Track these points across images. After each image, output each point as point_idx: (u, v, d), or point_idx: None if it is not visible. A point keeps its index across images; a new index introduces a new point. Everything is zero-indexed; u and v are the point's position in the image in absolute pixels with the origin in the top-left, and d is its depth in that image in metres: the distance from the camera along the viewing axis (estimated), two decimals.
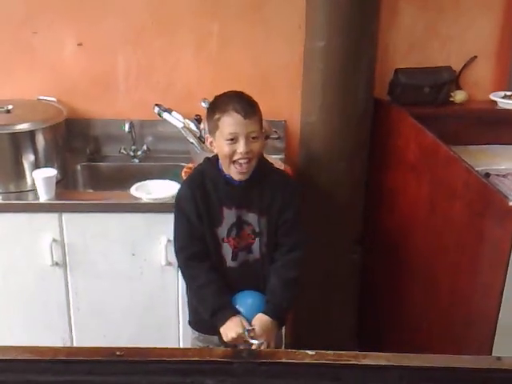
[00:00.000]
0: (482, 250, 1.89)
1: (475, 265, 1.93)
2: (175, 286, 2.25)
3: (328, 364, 1.28)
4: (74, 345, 2.32)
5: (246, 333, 1.67)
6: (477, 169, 1.96)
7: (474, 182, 1.91)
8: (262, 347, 1.68)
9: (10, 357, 1.24)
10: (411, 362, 1.29)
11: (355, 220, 2.53)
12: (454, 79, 2.52)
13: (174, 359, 1.26)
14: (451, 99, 2.52)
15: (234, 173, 1.73)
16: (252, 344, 1.67)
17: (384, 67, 2.47)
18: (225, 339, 1.71)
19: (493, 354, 1.78)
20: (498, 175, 2.09)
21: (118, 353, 1.25)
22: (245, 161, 1.71)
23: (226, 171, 1.77)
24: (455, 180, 2.01)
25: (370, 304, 2.69)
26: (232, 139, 1.69)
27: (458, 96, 2.52)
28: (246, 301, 1.75)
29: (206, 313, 1.76)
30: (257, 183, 1.78)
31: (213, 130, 1.74)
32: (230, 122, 1.68)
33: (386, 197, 2.52)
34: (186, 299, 1.98)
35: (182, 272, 1.88)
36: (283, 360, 1.28)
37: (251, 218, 1.78)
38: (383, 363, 1.28)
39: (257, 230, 1.79)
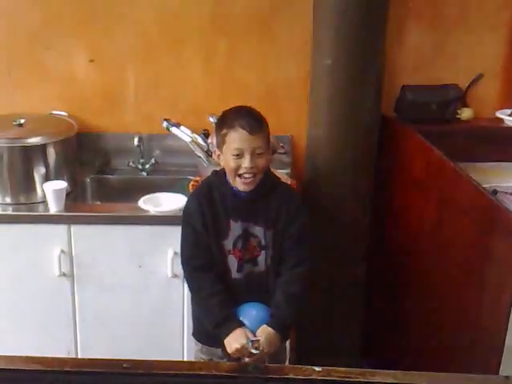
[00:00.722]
0: (489, 267, 1.88)
1: (482, 283, 1.92)
2: (181, 299, 2.25)
3: (335, 381, 1.28)
4: (79, 356, 2.32)
5: (250, 344, 1.67)
6: (484, 186, 1.96)
7: (481, 200, 1.90)
8: (263, 353, 1.68)
9: (17, 367, 1.25)
10: (418, 380, 1.29)
11: (361, 235, 2.53)
12: (460, 97, 2.53)
13: (181, 372, 1.27)
14: (458, 116, 2.53)
15: (240, 184, 1.76)
16: (253, 353, 1.66)
17: (391, 84, 2.49)
18: (228, 351, 1.71)
19: (500, 374, 1.76)
20: (505, 192, 2.09)
21: (125, 365, 1.25)
22: (250, 175, 1.74)
23: (232, 184, 1.79)
24: (462, 197, 2.01)
25: (375, 320, 2.68)
26: (238, 154, 1.72)
27: (465, 113, 2.53)
28: (250, 313, 1.76)
29: (210, 324, 1.77)
30: (263, 197, 1.80)
31: (220, 144, 1.77)
32: (235, 138, 1.71)
33: (392, 213, 2.52)
34: (191, 310, 1.98)
35: (187, 283, 1.89)
36: (290, 376, 1.28)
37: (258, 230, 1.80)
38: (391, 381, 1.28)
39: (263, 242, 1.80)
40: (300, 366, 1.31)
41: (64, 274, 2.24)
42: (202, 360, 1.91)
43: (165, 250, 2.19)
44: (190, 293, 1.92)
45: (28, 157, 2.25)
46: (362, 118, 2.36)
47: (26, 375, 1.23)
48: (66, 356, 2.27)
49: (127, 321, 2.30)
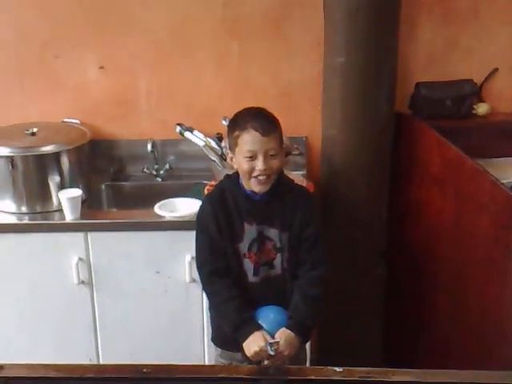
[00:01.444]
0: (510, 262, 1.86)
1: (504, 277, 1.89)
2: (200, 303, 2.25)
3: (356, 381, 1.26)
4: (101, 363, 2.32)
5: (269, 346, 1.65)
6: (503, 181, 1.94)
7: (499, 195, 1.88)
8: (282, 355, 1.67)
9: (39, 374, 1.25)
10: (440, 378, 1.28)
11: (379, 234, 2.51)
12: (475, 92, 2.50)
13: (201, 376, 1.26)
14: (474, 112, 2.50)
15: (254, 185, 1.75)
16: (272, 356, 1.65)
17: (405, 81, 2.47)
18: (247, 354, 1.70)
19: None
20: None
21: (144, 370, 1.25)
22: (263, 177, 1.72)
23: (246, 186, 1.78)
24: (481, 193, 1.99)
25: (397, 318, 2.65)
26: (251, 156, 1.70)
27: (481, 108, 2.50)
28: (268, 316, 1.74)
29: (229, 328, 1.76)
30: (278, 199, 1.79)
31: (233, 146, 1.76)
32: (248, 140, 1.70)
33: (410, 211, 2.50)
34: (209, 316, 1.97)
35: (203, 288, 1.88)
36: (311, 377, 1.27)
37: (273, 233, 1.79)
38: (412, 379, 1.26)
39: (278, 245, 1.79)
40: (320, 367, 1.30)
41: (83, 282, 2.25)
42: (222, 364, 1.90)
43: (182, 255, 2.18)
44: (207, 298, 1.91)
45: (42, 165, 2.26)
46: (377, 116, 2.34)
47: (47, 383, 1.23)
48: (92, 363, 2.27)
49: (147, 327, 2.31)
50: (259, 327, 1.71)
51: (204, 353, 2.30)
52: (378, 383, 1.26)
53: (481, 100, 2.53)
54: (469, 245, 2.09)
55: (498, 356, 1.95)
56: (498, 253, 1.92)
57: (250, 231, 1.78)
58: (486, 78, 2.52)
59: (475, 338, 2.08)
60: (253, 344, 1.68)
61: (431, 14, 2.47)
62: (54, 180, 2.27)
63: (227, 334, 1.78)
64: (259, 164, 1.70)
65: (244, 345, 1.71)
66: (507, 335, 1.90)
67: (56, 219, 2.24)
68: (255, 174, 1.72)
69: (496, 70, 2.52)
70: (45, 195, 2.27)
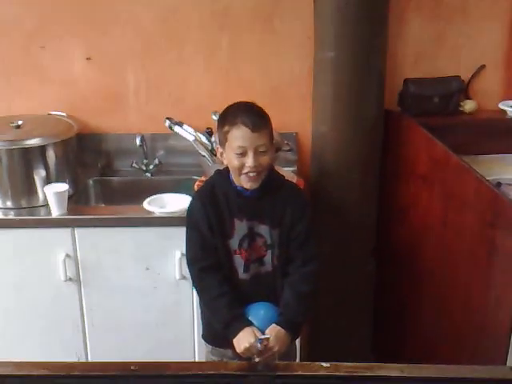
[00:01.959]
0: (495, 259, 1.88)
1: (488, 275, 1.92)
2: (190, 300, 2.24)
3: (343, 376, 1.27)
4: (89, 360, 2.31)
5: (259, 342, 1.66)
6: (488, 178, 1.95)
7: (485, 192, 1.90)
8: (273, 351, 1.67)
9: (25, 372, 1.24)
10: (425, 372, 1.29)
11: (368, 231, 2.52)
12: (463, 89, 2.51)
13: (189, 373, 1.26)
14: (461, 109, 2.51)
15: (244, 181, 1.74)
16: (262, 352, 1.65)
17: (393, 78, 2.47)
18: (237, 350, 1.70)
19: (507, 365, 1.76)
20: (509, 184, 2.09)
21: (132, 367, 1.25)
22: (253, 174, 1.72)
23: (236, 182, 1.77)
24: (466, 190, 2.00)
25: (385, 315, 2.67)
26: (241, 153, 1.70)
27: (468, 105, 2.52)
28: (258, 312, 1.75)
29: (219, 325, 1.76)
30: (268, 195, 1.79)
31: (222, 141, 1.75)
32: (238, 136, 1.69)
33: (398, 208, 2.51)
34: (200, 313, 1.97)
35: (194, 284, 1.88)
36: (299, 372, 1.28)
37: (263, 230, 1.78)
38: (398, 374, 1.27)
39: (269, 242, 1.79)
40: (308, 363, 1.31)
41: (70, 279, 2.22)
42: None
43: (172, 252, 2.17)
44: (197, 295, 1.90)
45: (27, 159, 2.21)
46: (367, 113, 2.35)
47: (34, 381, 1.23)
48: (76, 361, 2.26)
49: (136, 324, 2.29)
50: (249, 323, 1.72)
51: (194, 350, 2.30)
52: (364, 378, 1.27)
53: (468, 97, 2.55)
54: (455, 242, 2.10)
55: (479, 351, 1.98)
56: (483, 250, 1.94)
57: (240, 227, 1.78)
58: (473, 75, 2.54)
59: (460, 333, 2.10)
60: (243, 340, 1.69)
61: (419, 9, 2.47)
62: (39, 174, 2.24)
63: (218, 331, 1.78)
64: (249, 161, 1.69)
65: (234, 341, 1.71)
66: (491, 330, 1.92)
67: (42, 214, 2.22)
68: (245, 170, 1.71)
69: (483, 66, 2.54)
70: (30, 190, 2.24)
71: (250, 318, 1.73)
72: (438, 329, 2.26)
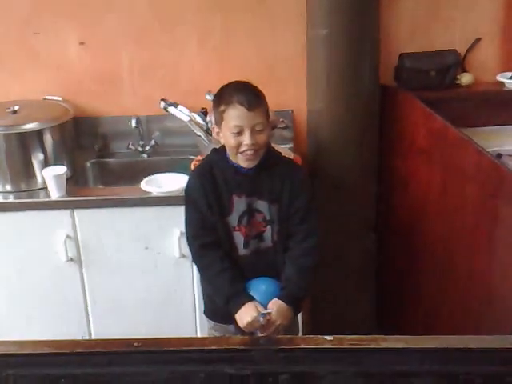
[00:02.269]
0: (497, 230, 1.88)
1: (491, 245, 1.92)
2: (190, 278, 2.25)
3: (347, 349, 1.27)
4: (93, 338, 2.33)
5: (261, 316, 1.67)
6: (488, 150, 1.95)
7: (485, 164, 1.89)
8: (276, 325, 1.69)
9: (28, 351, 1.24)
10: (430, 343, 1.28)
11: (368, 206, 2.52)
12: (459, 62, 2.50)
13: (192, 348, 1.26)
14: (457, 82, 2.50)
15: (242, 160, 1.74)
16: (264, 326, 1.67)
17: (388, 52, 2.46)
18: (240, 325, 1.72)
19: None
20: (509, 155, 2.08)
21: (135, 344, 1.25)
22: (251, 152, 1.71)
23: (233, 160, 1.77)
24: (467, 162, 2.00)
25: (388, 288, 2.68)
26: (237, 132, 1.69)
27: (464, 78, 2.51)
28: (259, 287, 1.76)
29: (221, 300, 1.77)
30: (266, 171, 1.78)
31: (219, 121, 1.75)
32: (234, 115, 1.69)
33: (398, 182, 2.51)
34: (201, 290, 1.99)
35: (194, 261, 1.89)
36: (301, 346, 1.28)
37: (262, 205, 1.79)
38: (402, 346, 1.27)
39: (268, 217, 1.79)
40: (311, 336, 1.30)
41: (71, 259, 2.24)
42: None
43: (171, 231, 2.18)
44: (198, 272, 1.91)
45: (25, 143, 2.23)
46: (362, 89, 2.34)
47: (37, 359, 1.23)
48: (80, 339, 2.27)
49: (138, 302, 2.31)
50: (251, 298, 1.73)
51: (196, 327, 2.32)
52: (367, 350, 1.27)
53: (464, 70, 2.53)
54: (456, 214, 2.10)
55: (485, 321, 1.98)
56: (484, 221, 1.94)
57: (239, 204, 1.78)
58: (469, 48, 2.52)
59: (463, 305, 2.11)
60: (245, 315, 1.70)
61: None
62: (37, 158, 2.25)
63: (219, 307, 1.79)
64: (246, 139, 1.69)
65: (237, 316, 1.72)
66: (494, 301, 1.92)
67: (41, 197, 2.23)
68: (242, 149, 1.71)
69: (479, 39, 2.52)
70: (29, 173, 2.25)
71: (251, 293, 1.74)
72: (441, 302, 2.27)
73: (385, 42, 2.42)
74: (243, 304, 1.71)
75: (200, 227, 1.80)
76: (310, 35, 2.35)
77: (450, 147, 2.09)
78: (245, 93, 1.69)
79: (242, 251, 1.81)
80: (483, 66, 2.55)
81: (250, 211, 1.78)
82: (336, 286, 2.54)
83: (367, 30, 2.30)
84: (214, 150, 1.86)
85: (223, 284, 1.76)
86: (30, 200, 2.22)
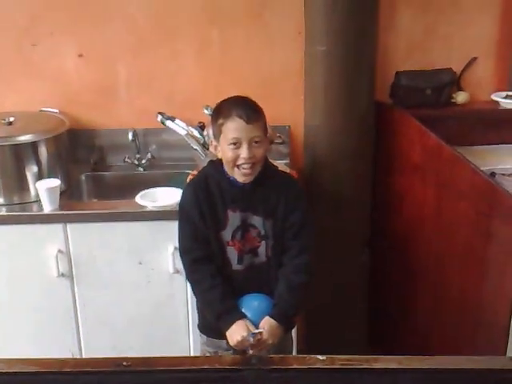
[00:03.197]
0: (490, 249, 1.88)
1: (484, 264, 1.92)
2: (184, 294, 2.23)
3: (339, 369, 1.26)
4: (83, 356, 2.30)
5: (252, 336, 1.65)
6: (482, 169, 1.95)
7: (479, 182, 1.90)
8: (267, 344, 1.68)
9: (15, 369, 1.22)
10: (423, 364, 1.28)
11: (363, 222, 2.52)
12: (455, 80, 2.51)
13: (183, 368, 1.25)
14: (453, 100, 2.51)
15: (238, 175, 1.74)
16: (255, 345, 1.66)
17: (385, 70, 2.47)
18: (230, 343, 1.70)
19: (507, 355, 1.76)
20: (503, 174, 2.09)
21: (124, 363, 1.23)
22: (248, 165, 1.71)
23: (230, 174, 1.77)
24: (461, 181, 2.00)
25: (381, 306, 2.67)
26: (235, 144, 1.69)
27: (460, 97, 2.52)
28: (251, 304, 1.74)
29: (212, 317, 1.76)
30: (261, 186, 1.78)
31: (217, 134, 1.75)
32: (232, 128, 1.69)
33: (392, 199, 2.51)
34: (195, 305, 1.97)
35: (187, 276, 1.87)
36: (294, 366, 1.27)
37: (256, 220, 1.78)
38: (395, 366, 1.26)
39: (262, 232, 1.78)
40: (303, 356, 1.30)
41: (63, 275, 2.22)
42: (207, 352, 1.91)
43: (165, 246, 2.17)
44: (190, 286, 1.89)
45: (19, 155, 2.22)
46: (358, 105, 2.35)
47: (25, 378, 1.21)
48: (70, 357, 2.25)
49: (131, 319, 2.28)
50: (242, 316, 1.71)
51: (189, 343, 2.30)
52: (361, 370, 1.26)
53: (460, 88, 2.54)
54: (449, 232, 2.11)
55: (478, 339, 1.98)
56: (477, 239, 1.94)
57: (233, 218, 1.77)
58: (464, 67, 2.53)
59: (456, 323, 2.10)
60: (235, 333, 1.69)
61: (410, 1, 2.47)
62: (31, 170, 2.24)
63: (211, 322, 1.78)
64: (244, 152, 1.69)
65: (227, 333, 1.71)
66: (489, 321, 1.92)
67: (34, 210, 2.21)
68: (239, 162, 1.70)
69: (475, 58, 2.53)
70: (22, 186, 2.24)
71: (243, 310, 1.73)
72: (434, 320, 2.27)
73: (382, 60, 2.44)
74: (233, 322, 1.70)
75: (193, 240, 1.79)
76: (308, 51, 2.36)
77: (444, 165, 2.10)
78: (244, 107, 1.70)
79: (235, 266, 1.80)
80: (479, 85, 2.56)
81: (245, 226, 1.78)
82: (330, 301, 2.53)
83: (365, 48, 2.32)
84: (211, 162, 1.86)
85: (214, 301, 1.75)
86: (21, 213, 2.20)
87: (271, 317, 1.72)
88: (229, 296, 1.75)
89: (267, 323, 1.71)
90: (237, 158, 1.70)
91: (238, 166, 1.72)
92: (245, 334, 1.67)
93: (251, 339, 1.65)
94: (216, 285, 1.75)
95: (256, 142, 1.70)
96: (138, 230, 2.19)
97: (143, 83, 2.54)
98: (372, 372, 1.26)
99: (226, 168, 1.76)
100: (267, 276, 1.81)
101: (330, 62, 2.29)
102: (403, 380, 1.24)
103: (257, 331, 1.67)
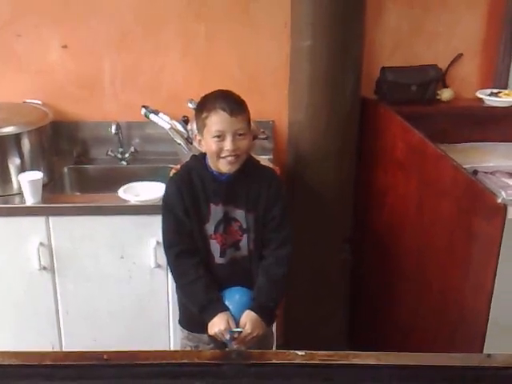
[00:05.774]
0: (471, 247, 1.89)
1: (465, 262, 1.93)
2: (165, 289, 2.23)
3: (318, 364, 1.27)
4: (64, 349, 2.29)
5: (230, 333, 1.68)
6: (465, 166, 1.97)
7: (462, 180, 1.91)
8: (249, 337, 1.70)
9: None
10: (401, 360, 1.29)
11: (344, 219, 2.53)
12: (440, 77, 2.52)
13: (162, 362, 1.25)
14: (438, 97, 2.52)
15: (223, 165, 1.74)
16: (235, 338, 1.68)
17: (370, 66, 2.47)
18: (209, 332, 1.73)
19: (484, 352, 1.77)
20: (485, 172, 2.10)
21: (105, 357, 1.23)
22: (232, 158, 1.72)
23: (213, 167, 1.77)
24: (443, 178, 2.01)
25: (361, 303, 2.69)
26: (219, 136, 1.70)
27: (445, 94, 2.53)
28: (233, 297, 1.76)
29: (196, 308, 1.77)
30: (243, 179, 1.79)
31: (201, 128, 1.75)
32: (216, 120, 1.70)
33: (375, 195, 2.52)
34: (176, 300, 1.97)
35: (170, 269, 1.87)
36: (273, 361, 1.27)
37: (238, 214, 1.79)
38: (373, 362, 1.27)
39: (244, 226, 1.79)
40: (283, 351, 1.30)
41: (44, 268, 2.20)
42: (188, 347, 1.91)
43: (147, 240, 2.16)
44: (173, 279, 1.89)
45: (1, 147, 2.20)
46: (343, 101, 2.35)
47: (4, 370, 1.21)
48: (51, 350, 2.23)
49: (112, 312, 2.28)
50: (225, 308, 1.73)
51: (170, 338, 2.30)
52: (339, 366, 1.27)
53: (445, 85, 2.56)
54: (431, 229, 2.12)
55: (457, 339, 1.99)
56: (459, 237, 1.95)
57: (216, 212, 1.78)
58: (450, 64, 2.54)
59: (436, 320, 2.12)
60: (215, 325, 1.71)
61: None
62: (14, 162, 2.22)
63: (193, 316, 1.79)
64: (228, 144, 1.70)
65: (209, 324, 1.73)
66: (468, 318, 1.94)
67: (16, 203, 2.19)
68: (224, 154, 1.71)
69: (460, 55, 2.55)
70: (4, 178, 2.22)
71: (225, 303, 1.74)
72: (415, 316, 2.28)
73: (367, 55, 2.44)
74: (216, 314, 1.72)
75: (177, 234, 1.79)
76: (293, 46, 2.35)
77: (427, 162, 2.11)
78: (227, 100, 1.71)
79: (218, 260, 1.81)
80: (464, 82, 2.58)
81: (227, 219, 1.78)
82: (310, 298, 2.54)
83: (350, 44, 2.32)
84: (194, 157, 1.87)
85: (198, 292, 1.76)
86: (3, 206, 2.18)
87: (252, 310, 1.73)
88: (212, 287, 1.76)
89: (248, 316, 1.72)
90: (221, 150, 1.71)
91: (222, 157, 1.73)
92: (223, 328, 1.69)
93: (227, 337, 1.67)
94: (200, 277, 1.76)
95: (240, 135, 1.71)
96: (120, 224, 2.18)
97: (127, 76, 2.53)
98: (351, 368, 1.26)
99: (210, 161, 1.77)
100: (249, 270, 1.82)
101: (315, 57, 2.29)
102: (382, 376, 1.24)
103: (236, 330, 1.69)
